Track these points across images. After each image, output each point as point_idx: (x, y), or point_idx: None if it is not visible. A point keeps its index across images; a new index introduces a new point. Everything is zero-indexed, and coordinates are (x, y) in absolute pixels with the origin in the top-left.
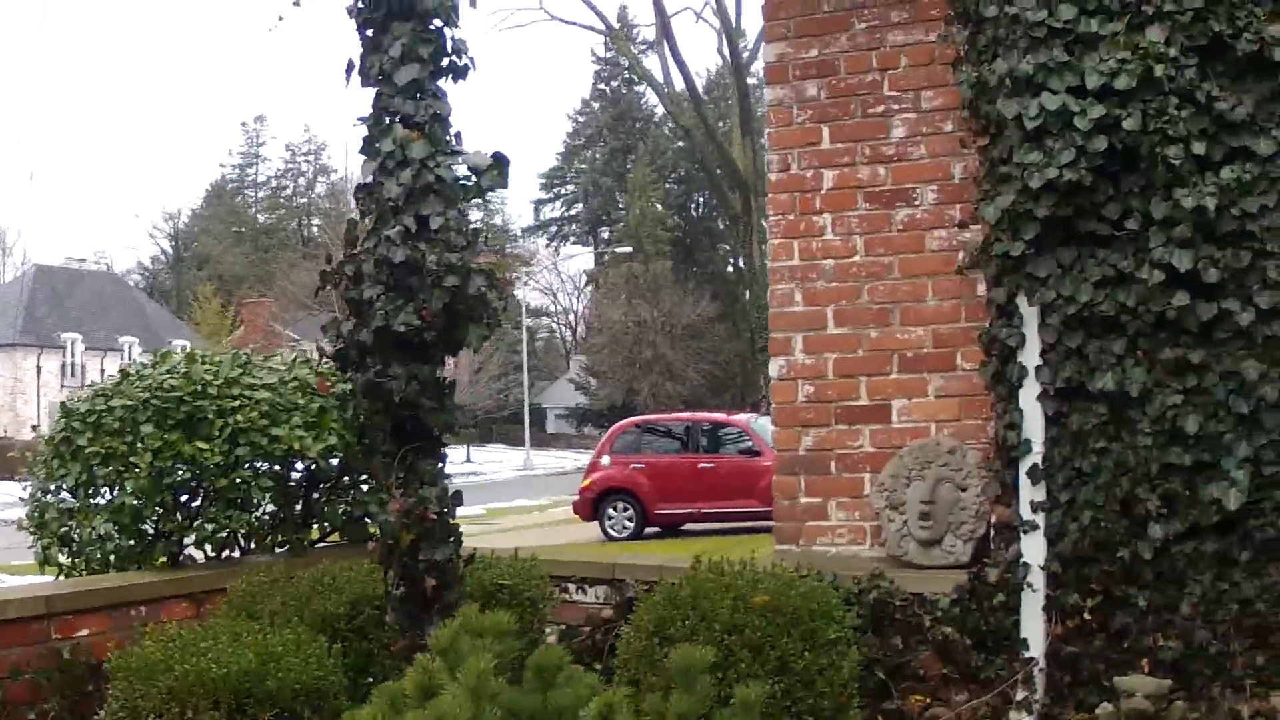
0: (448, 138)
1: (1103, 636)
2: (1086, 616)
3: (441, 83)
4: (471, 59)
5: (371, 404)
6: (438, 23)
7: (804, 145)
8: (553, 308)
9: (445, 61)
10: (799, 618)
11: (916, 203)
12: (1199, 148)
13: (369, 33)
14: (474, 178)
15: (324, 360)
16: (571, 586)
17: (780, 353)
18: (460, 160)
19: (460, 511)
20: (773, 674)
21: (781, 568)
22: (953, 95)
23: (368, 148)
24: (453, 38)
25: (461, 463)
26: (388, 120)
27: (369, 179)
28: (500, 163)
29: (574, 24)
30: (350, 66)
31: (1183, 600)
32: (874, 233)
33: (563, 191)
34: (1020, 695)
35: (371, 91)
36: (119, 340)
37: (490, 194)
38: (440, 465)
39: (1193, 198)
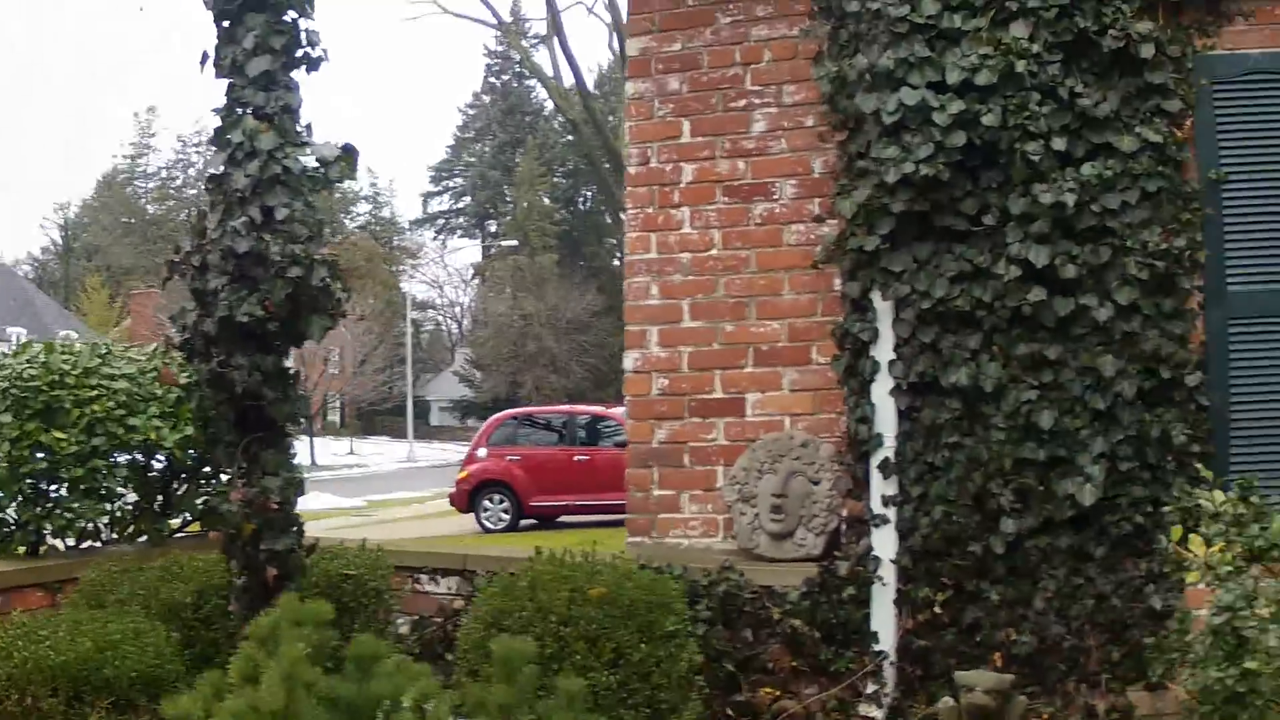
0: (298, 129)
1: (954, 631)
2: (937, 610)
3: (295, 74)
4: (325, 50)
5: (216, 394)
6: (292, 14)
7: (664, 139)
8: (439, 301)
9: (299, 53)
10: (636, 610)
11: (775, 197)
12: (1060, 144)
13: (225, 24)
14: (323, 169)
15: (169, 349)
16: (424, 577)
17: (635, 346)
18: (309, 151)
19: (341, 503)
20: (608, 666)
21: (622, 559)
22: (815, 90)
23: (218, 139)
24: (307, 29)
25: (345, 454)
26: (239, 111)
27: (219, 170)
28: (349, 154)
29: (466, 18)
30: (205, 57)
31: (1036, 595)
32: (732, 226)
33: (451, 184)
34: (870, 689)
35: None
36: (7, 331)
37: (377, 187)
38: (285, 456)
39: (1052, 194)
